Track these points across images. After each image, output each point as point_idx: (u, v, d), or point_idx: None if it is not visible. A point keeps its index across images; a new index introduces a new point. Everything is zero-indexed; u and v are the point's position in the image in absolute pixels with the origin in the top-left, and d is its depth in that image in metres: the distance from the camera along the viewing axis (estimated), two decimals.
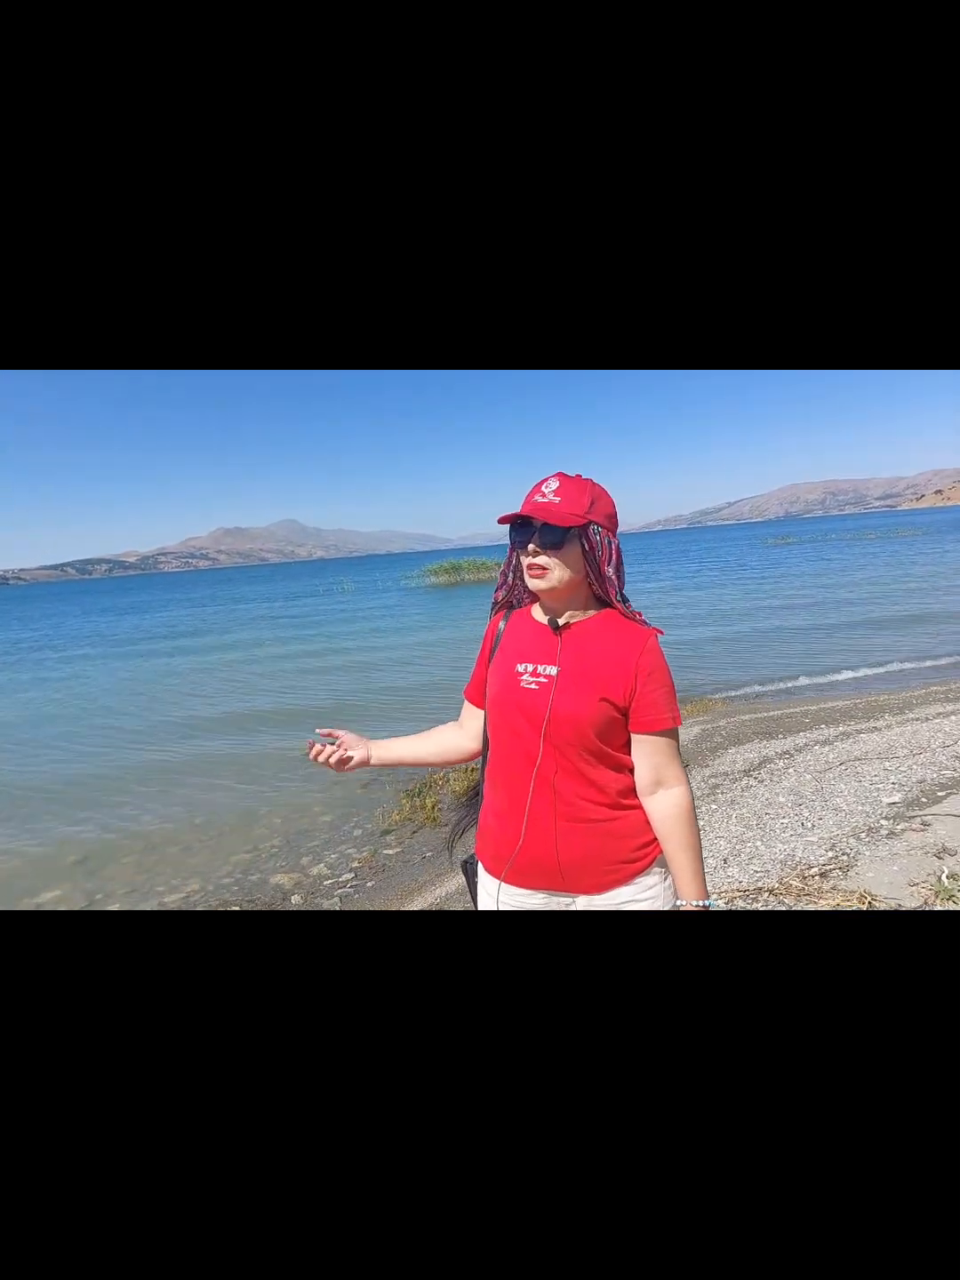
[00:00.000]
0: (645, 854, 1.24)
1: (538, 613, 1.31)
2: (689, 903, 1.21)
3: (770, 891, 2.91)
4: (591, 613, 1.27)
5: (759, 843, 3.46)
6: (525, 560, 1.23)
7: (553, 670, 1.22)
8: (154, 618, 28.85)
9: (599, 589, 1.27)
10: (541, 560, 1.21)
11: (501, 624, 1.35)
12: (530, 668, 1.24)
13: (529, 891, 1.25)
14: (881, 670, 7.79)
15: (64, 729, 8.62)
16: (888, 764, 4.31)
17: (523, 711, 1.22)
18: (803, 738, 5.26)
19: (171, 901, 3.80)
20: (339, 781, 5.55)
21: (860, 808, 3.69)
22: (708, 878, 3.15)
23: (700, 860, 1.22)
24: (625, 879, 1.22)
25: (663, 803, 1.22)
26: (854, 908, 2.66)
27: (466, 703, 1.42)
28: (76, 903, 3.89)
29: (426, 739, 1.45)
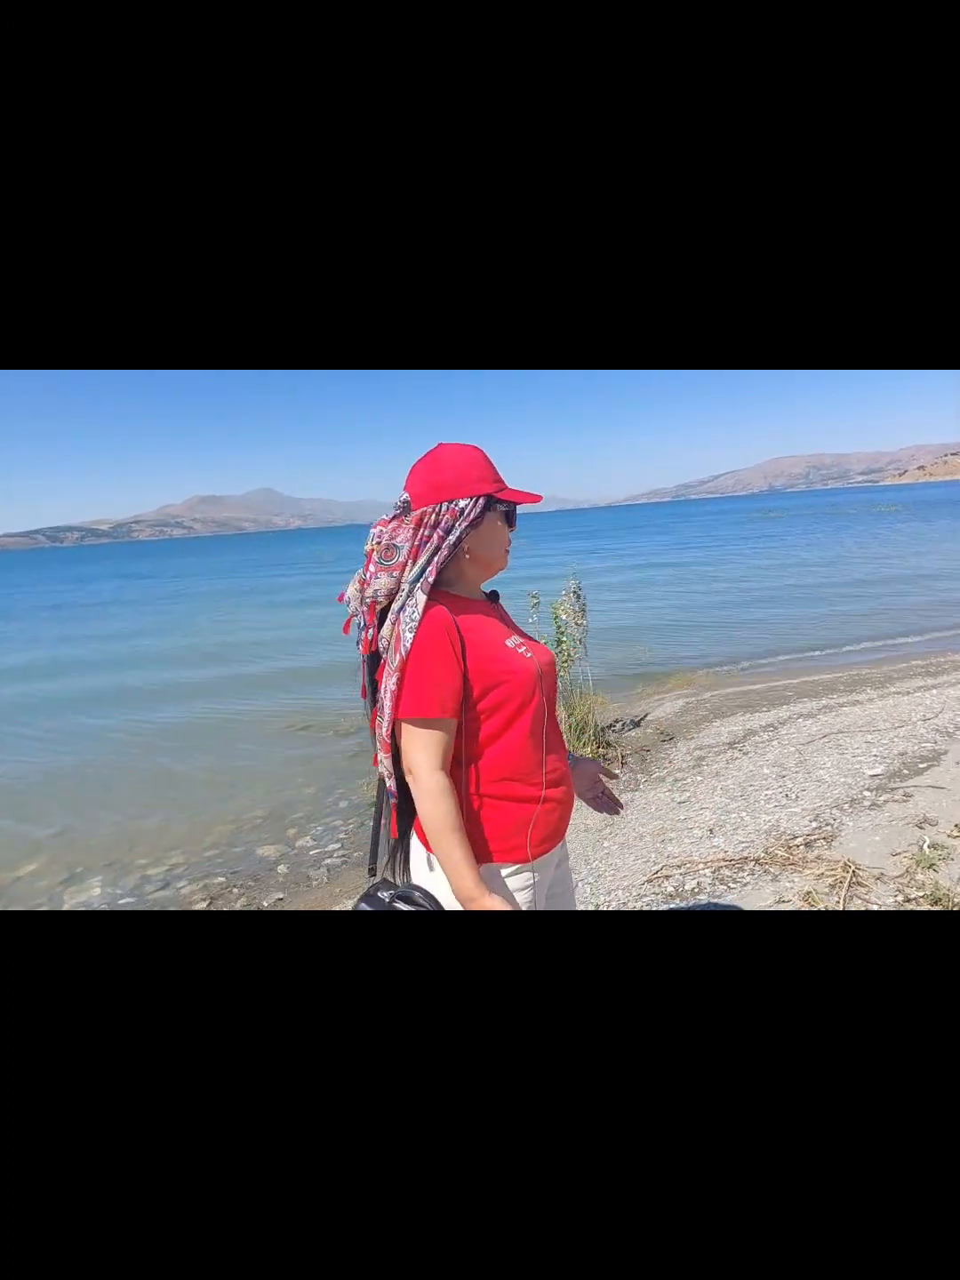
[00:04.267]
0: None
1: (466, 591, 1.25)
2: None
3: (755, 861, 2.94)
4: None
5: (744, 813, 3.50)
6: (504, 543, 1.27)
7: (519, 639, 1.26)
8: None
9: None
10: None
11: (451, 616, 1.15)
12: (516, 641, 1.24)
13: (557, 850, 1.27)
14: (863, 646, 7.88)
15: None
16: (870, 737, 4.37)
17: (535, 682, 1.21)
18: (785, 711, 5.31)
19: (155, 874, 3.76)
20: (322, 754, 5.52)
21: (843, 779, 3.73)
22: (695, 847, 3.20)
23: None
24: None
25: None
26: (844, 892, 2.69)
27: (440, 723, 1.12)
28: (57, 876, 3.83)
29: (463, 826, 1.13)
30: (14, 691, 9.15)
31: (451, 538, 1.17)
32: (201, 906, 3.35)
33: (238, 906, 3.33)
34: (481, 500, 1.18)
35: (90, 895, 3.59)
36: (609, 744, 4.84)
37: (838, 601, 10.84)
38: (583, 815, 3.90)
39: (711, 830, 3.36)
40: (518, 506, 1.26)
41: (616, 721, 5.43)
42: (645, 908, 2.72)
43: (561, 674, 4.75)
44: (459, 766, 1.17)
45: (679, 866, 3.02)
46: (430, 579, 1.15)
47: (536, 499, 1.25)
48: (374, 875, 1.24)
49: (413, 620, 1.12)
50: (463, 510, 1.17)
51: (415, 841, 1.23)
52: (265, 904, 3.32)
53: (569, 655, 4.78)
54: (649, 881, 2.91)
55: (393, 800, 1.20)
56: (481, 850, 1.17)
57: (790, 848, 3.02)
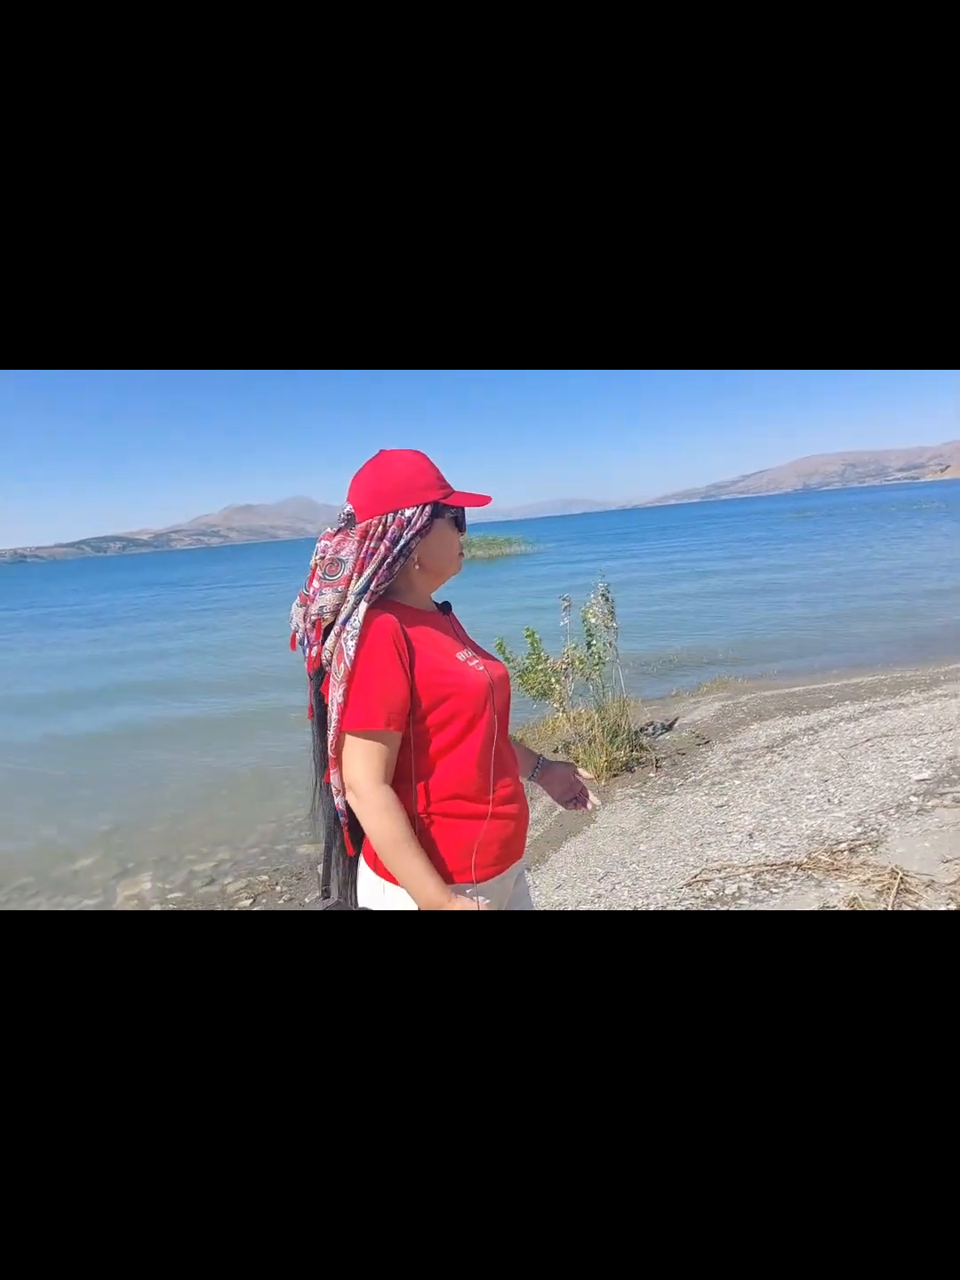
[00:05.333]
0: None
1: (417, 602, 1.21)
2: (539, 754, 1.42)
3: (798, 866, 2.91)
4: None
5: (785, 818, 3.46)
6: (455, 549, 1.24)
7: (470, 651, 1.23)
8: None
9: None
10: None
11: (399, 626, 1.12)
12: (468, 654, 1.21)
13: (512, 870, 1.22)
14: (905, 647, 7.69)
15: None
16: (916, 740, 4.27)
17: (486, 697, 1.17)
18: (827, 714, 5.21)
19: (202, 869, 3.88)
20: None
21: (888, 784, 3.66)
22: (736, 851, 3.17)
23: None
24: None
25: None
26: (882, 892, 2.65)
27: (384, 736, 1.09)
28: (111, 870, 3.97)
29: (415, 836, 1.10)
30: (66, 687, 9.47)
31: (399, 547, 1.13)
32: (246, 903, 3.44)
33: (280, 902, 3.41)
34: (428, 508, 1.15)
35: (142, 889, 3.72)
36: (642, 747, 4.82)
37: (877, 601, 10.59)
38: (617, 817, 3.90)
39: (751, 834, 3.33)
40: (460, 512, 1.22)
41: (650, 724, 5.41)
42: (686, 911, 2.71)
43: (593, 677, 4.74)
44: (407, 783, 1.12)
45: (719, 870, 3.00)
46: (377, 590, 1.12)
47: (485, 501, 1.21)
48: (328, 897, 1.22)
49: (355, 629, 1.08)
50: (410, 519, 1.13)
51: (363, 867, 1.18)
52: (307, 901, 3.39)
53: (599, 658, 4.77)
54: (688, 885, 2.90)
55: (342, 818, 1.16)
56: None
57: (834, 853, 2.98)
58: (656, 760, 4.68)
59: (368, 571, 1.11)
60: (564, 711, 4.84)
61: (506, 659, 4.78)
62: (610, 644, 4.86)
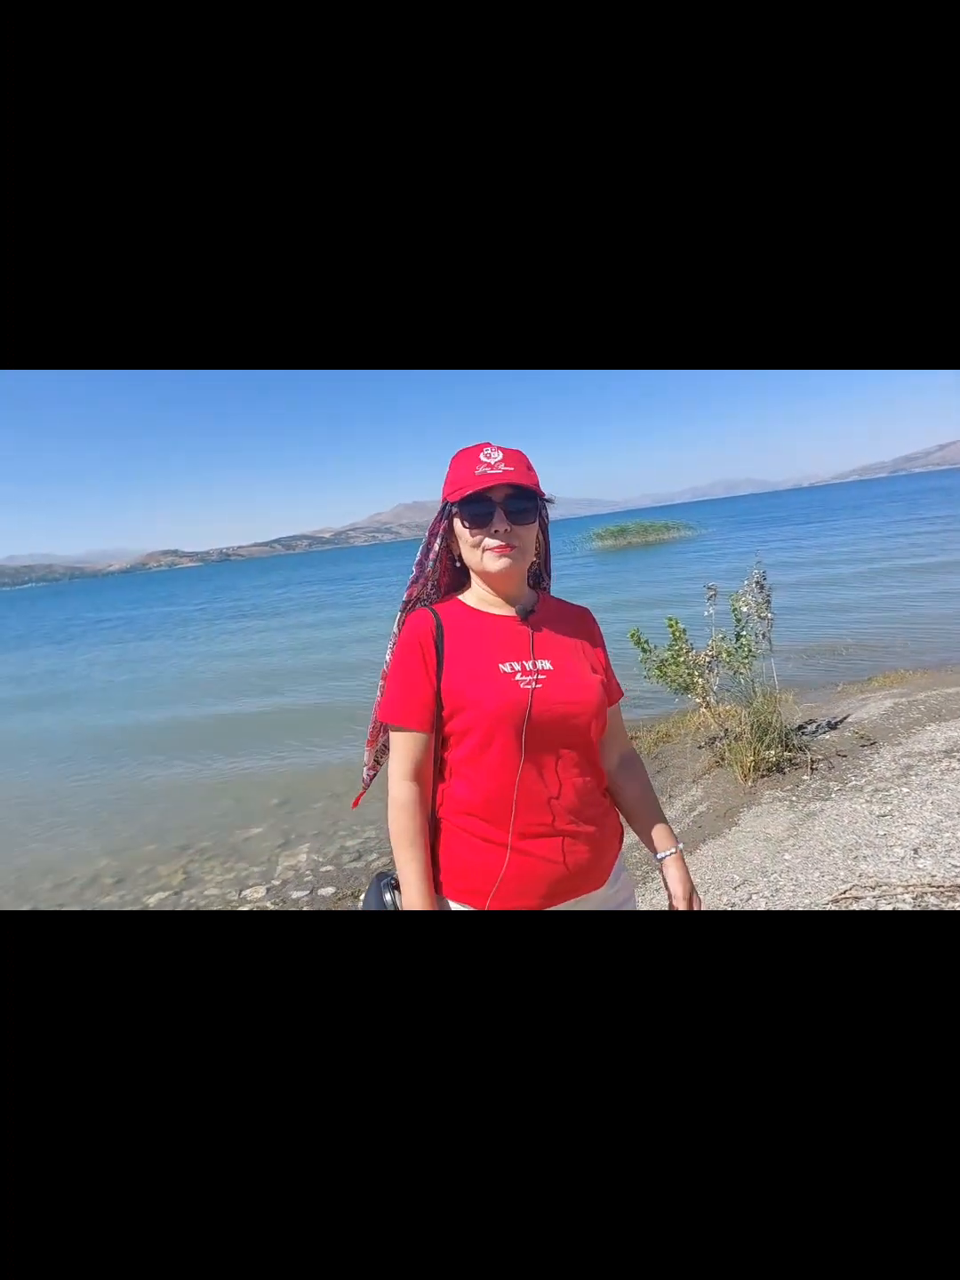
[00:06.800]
0: (622, 832, 1.21)
1: (479, 603, 1.16)
2: (674, 848, 1.20)
3: None
4: (533, 593, 1.21)
5: (959, 834, 3.07)
6: (488, 541, 1.09)
7: (546, 664, 1.10)
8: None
9: (541, 565, 1.23)
10: (512, 537, 1.09)
11: (436, 624, 1.12)
12: (516, 666, 1.09)
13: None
14: None
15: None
16: None
17: (502, 718, 1.06)
18: None
19: (351, 844, 4.21)
20: None
21: None
22: (896, 868, 2.88)
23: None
24: (614, 864, 1.17)
25: (633, 768, 1.23)
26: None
27: (405, 734, 1.10)
28: (273, 841, 4.44)
29: (423, 843, 1.11)
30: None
31: (427, 551, 1.19)
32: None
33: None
34: (443, 508, 1.15)
35: (257, 892, 4.07)
36: (796, 748, 4.49)
37: None
38: (763, 822, 3.67)
39: (917, 850, 3.00)
40: (464, 502, 1.10)
41: (810, 722, 5.01)
42: None
43: (742, 672, 4.48)
44: (439, 781, 1.13)
45: (872, 888, 2.74)
46: (416, 596, 1.19)
47: (486, 482, 1.08)
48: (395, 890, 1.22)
49: (395, 629, 1.17)
50: (434, 524, 1.18)
51: None
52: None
53: (749, 650, 4.49)
54: (834, 902, 2.69)
55: (365, 783, 1.32)
56: (439, 879, 1.11)
57: None
58: (812, 761, 4.34)
59: (411, 575, 1.20)
60: (708, 707, 4.63)
61: (644, 650, 4.65)
62: (763, 635, 4.56)
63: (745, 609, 4.54)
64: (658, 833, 1.20)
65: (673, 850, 1.20)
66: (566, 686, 1.10)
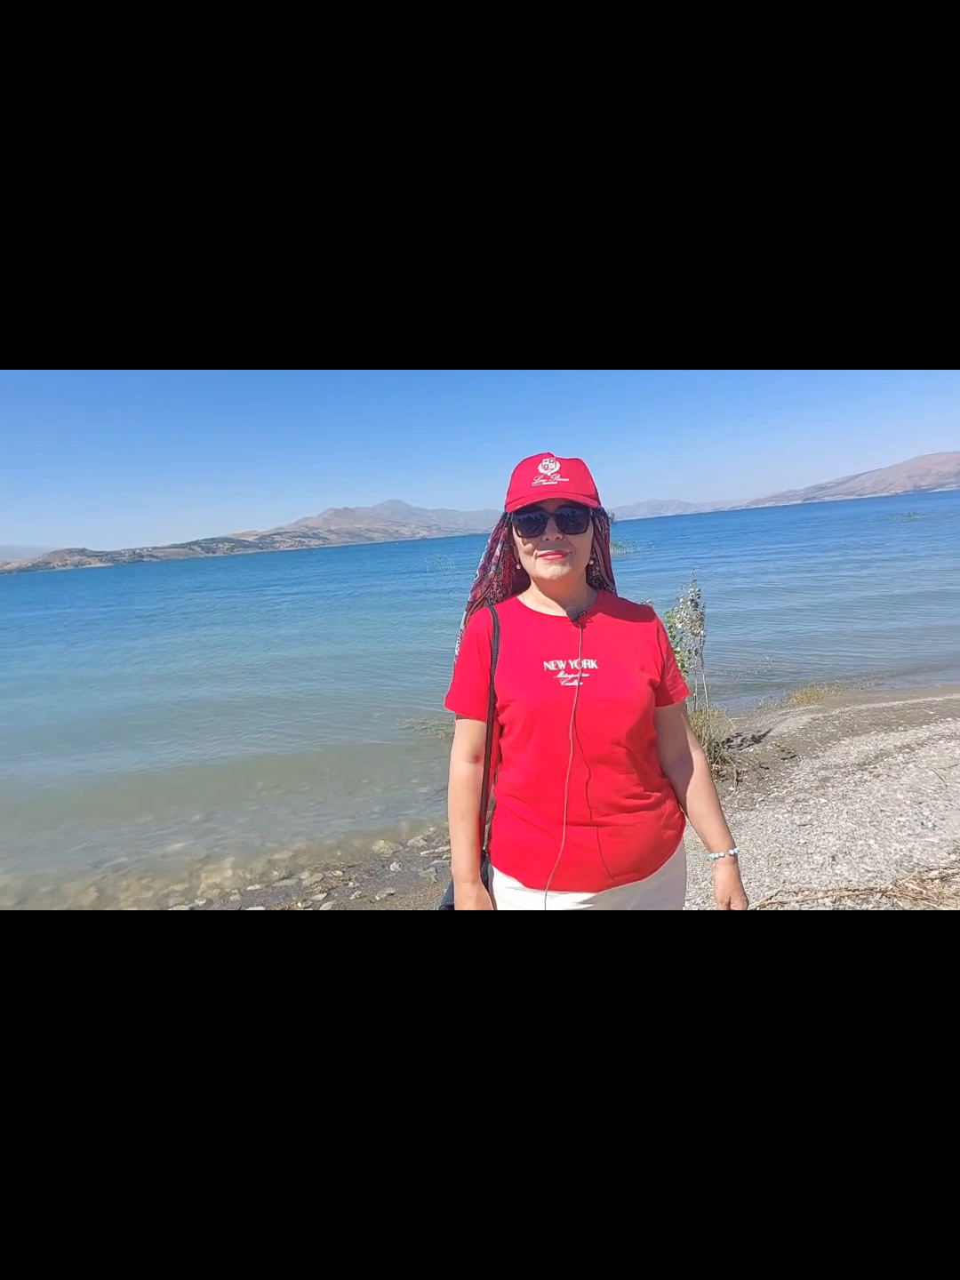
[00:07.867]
0: (677, 829, 1.26)
1: (536, 604, 1.24)
2: (725, 851, 1.24)
3: (882, 892, 2.75)
4: (593, 595, 1.28)
5: (872, 841, 3.26)
6: (539, 549, 1.17)
7: (591, 663, 1.17)
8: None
9: (600, 569, 1.31)
10: (563, 545, 1.17)
11: (493, 623, 1.23)
12: (560, 664, 1.16)
13: (577, 894, 1.18)
14: None
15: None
16: None
17: (567, 712, 1.14)
18: (926, 731, 4.86)
19: (281, 858, 4.08)
20: (439, 755, 5.71)
21: None
22: (816, 874, 3.02)
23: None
24: (663, 860, 1.23)
25: (692, 768, 1.27)
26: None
27: (464, 721, 1.25)
28: (199, 854, 4.25)
29: (473, 818, 1.25)
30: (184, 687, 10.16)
31: (489, 556, 1.30)
32: (321, 896, 3.60)
33: (353, 898, 3.54)
34: (502, 518, 1.26)
35: (222, 876, 3.96)
36: (724, 759, 4.66)
37: None
38: (690, 832, 3.79)
39: (834, 857, 3.17)
40: (519, 511, 1.18)
41: (736, 736, 5.21)
42: None
43: None
44: (499, 764, 1.26)
45: (795, 894, 2.87)
46: (481, 597, 1.32)
47: (541, 495, 1.15)
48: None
49: (461, 626, 1.32)
50: (496, 531, 1.29)
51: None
52: (377, 898, 3.51)
53: (683, 665, 4.65)
54: (759, 908, 2.80)
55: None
56: (492, 850, 1.25)
57: (924, 880, 2.79)
58: (737, 774, 4.52)
59: (474, 577, 1.33)
60: None
61: None
62: (695, 651, 4.72)
63: (680, 625, 4.70)
64: (711, 833, 1.25)
65: (721, 853, 1.24)
66: (610, 684, 1.16)
